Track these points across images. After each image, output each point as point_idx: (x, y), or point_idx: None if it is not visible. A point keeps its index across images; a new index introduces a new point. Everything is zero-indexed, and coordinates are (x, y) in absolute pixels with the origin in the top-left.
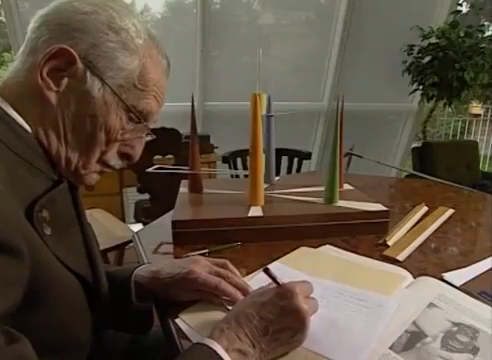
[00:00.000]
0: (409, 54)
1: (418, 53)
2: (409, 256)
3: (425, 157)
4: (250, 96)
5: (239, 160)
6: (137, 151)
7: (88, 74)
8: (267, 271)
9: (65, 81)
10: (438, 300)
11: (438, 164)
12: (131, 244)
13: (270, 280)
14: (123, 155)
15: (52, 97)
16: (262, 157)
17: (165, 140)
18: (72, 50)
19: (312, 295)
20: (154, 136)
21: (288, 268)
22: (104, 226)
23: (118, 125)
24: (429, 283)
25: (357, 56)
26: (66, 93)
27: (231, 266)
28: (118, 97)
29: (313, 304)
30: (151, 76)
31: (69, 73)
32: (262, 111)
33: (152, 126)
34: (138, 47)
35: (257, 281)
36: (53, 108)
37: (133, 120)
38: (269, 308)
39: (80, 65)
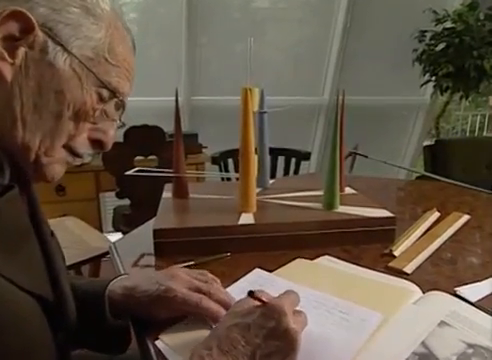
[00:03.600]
0: (420, 41)
1: (431, 40)
2: (418, 268)
3: (438, 156)
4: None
5: (230, 161)
6: (110, 137)
7: (49, 43)
8: (251, 294)
9: (21, 52)
10: (451, 318)
11: (453, 164)
12: (108, 256)
13: (253, 284)
14: (94, 142)
15: (6, 70)
16: (254, 158)
17: (147, 139)
18: (29, 14)
19: None
20: (125, 124)
21: (268, 275)
22: (77, 236)
23: (88, 103)
24: (440, 299)
25: (362, 44)
26: (23, 66)
27: (211, 276)
28: (88, 69)
29: (302, 320)
30: (120, 50)
31: (26, 42)
32: (254, 107)
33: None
34: (104, 14)
35: (238, 288)
36: (7, 84)
37: (104, 99)
38: (255, 331)
39: (39, 33)
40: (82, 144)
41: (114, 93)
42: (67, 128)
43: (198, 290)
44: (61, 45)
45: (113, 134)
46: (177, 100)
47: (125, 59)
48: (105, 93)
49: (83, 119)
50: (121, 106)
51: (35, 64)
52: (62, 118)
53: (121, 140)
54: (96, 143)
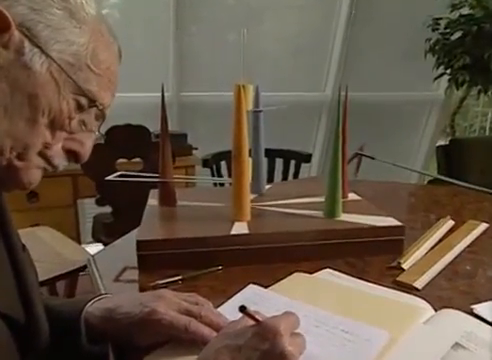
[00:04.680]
0: (434, 30)
1: (445, 28)
2: (429, 283)
3: (453, 157)
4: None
5: (224, 164)
6: (87, 149)
7: (26, 44)
8: (243, 310)
9: None
10: (466, 339)
11: (470, 166)
12: (87, 270)
13: (246, 302)
14: (70, 153)
15: None
16: (248, 161)
17: (131, 140)
18: (6, 12)
19: None
20: (104, 136)
21: (263, 291)
22: (52, 248)
23: (65, 110)
24: (455, 318)
25: (368, 34)
26: None
27: (201, 298)
28: (67, 75)
29: (300, 342)
30: (104, 57)
31: (0, 41)
32: (248, 106)
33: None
34: (88, 18)
35: (230, 308)
36: None
37: (82, 108)
38: (247, 353)
39: (15, 32)
40: (58, 154)
41: (94, 102)
42: (42, 135)
43: (187, 312)
44: (39, 47)
45: (90, 145)
46: (163, 96)
47: (109, 68)
48: (84, 101)
49: (59, 127)
50: (101, 117)
51: (9, 65)
52: (36, 124)
53: (101, 141)
54: (71, 154)
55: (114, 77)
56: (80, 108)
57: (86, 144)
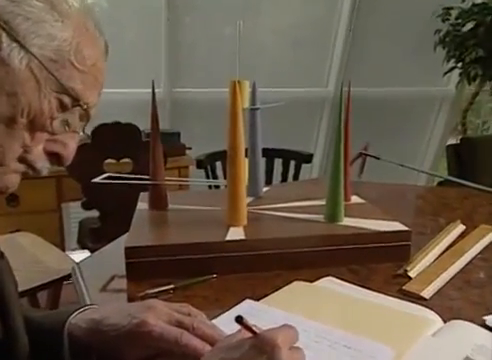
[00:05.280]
0: (444, 20)
1: (457, 18)
2: (438, 292)
3: (465, 157)
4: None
5: (219, 165)
6: (70, 150)
7: (4, 38)
8: (240, 320)
9: None
10: (477, 353)
11: (482, 167)
12: (71, 279)
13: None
14: (52, 155)
15: None
16: (244, 162)
17: (119, 139)
18: None
19: None
20: (89, 137)
21: (260, 307)
22: (33, 255)
23: (46, 109)
24: (465, 330)
25: (373, 25)
26: None
27: (195, 309)
28: (48, 72)
29: (299, 358)
30: (89, 53)
31: None
32: (244, 103)
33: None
34: (72, 11)
35: (226, 320)
36: None
37: (65, 107)
38: None
39: None
40: (39, 157)
41: (77, 101)
42: (21, 137)
43: (179, 324)
44: (18, 41)
45: (74, 147)
46: (154, 92)
47: (94, 64)
48: (67, 100)
49: (40, 128)
50: (85, 117)
51: None
52: (15, 125)
53: (88, 140)
54: (53, 157)
55: (100, 74)
56: (63, 107)
57: (69, 146)
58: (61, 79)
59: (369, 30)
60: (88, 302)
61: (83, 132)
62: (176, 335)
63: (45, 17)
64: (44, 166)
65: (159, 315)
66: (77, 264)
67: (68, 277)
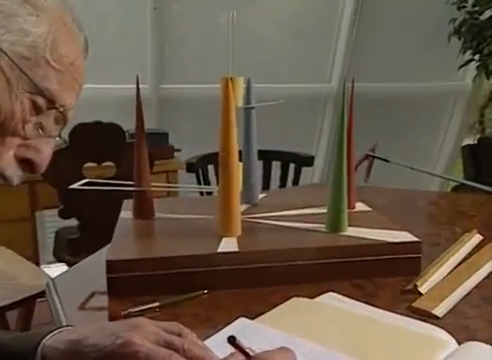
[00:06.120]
0: (460, 8)
1: (474, 6)
2: (452, 310)
3: (482, 159)
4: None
5: (211, 168)
6: (44, 157)
7: None
8: (233, 341)
9: None
10: None
11: None
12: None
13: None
14: (24, 162)
15: None
16: (238, 166)
17: (101, 140)
18: None
19: None
20: (66, 141)
21: (255, 326)
22: (2, 271)
23: (18, 112)
24: (482, 352)
25: (381, 14)
26: None
27: (186, 329)
28: (21, 71)
29: None
30: (67, 51)
31: None
32: (238, 102)
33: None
34: (48, 4)
35: (217, 341)
36: None
37: (39, 109)
38: None
39: None
40: (9, 164)
41: (53, 103)
42: None
43: (168, 344)
44: None
45: (49, 153)
46: (138, 89)
47: (72, 63)
48: (41, 102)
49: (11, 132)
50: (62, 120)
51: None
52: None
53: (63, 146)
54: (26, 163)
55: (79, 74)
56: (37, 110)
57: (43, 151)
58: (35, 79)
59: (376, 19)
60: (64, 322)
61: (59, 137)
62: (164, 357)
63: (17, 10)
64: (15, 174)
65: (146, 334)
66: (52, 279)
67: (42, 294)
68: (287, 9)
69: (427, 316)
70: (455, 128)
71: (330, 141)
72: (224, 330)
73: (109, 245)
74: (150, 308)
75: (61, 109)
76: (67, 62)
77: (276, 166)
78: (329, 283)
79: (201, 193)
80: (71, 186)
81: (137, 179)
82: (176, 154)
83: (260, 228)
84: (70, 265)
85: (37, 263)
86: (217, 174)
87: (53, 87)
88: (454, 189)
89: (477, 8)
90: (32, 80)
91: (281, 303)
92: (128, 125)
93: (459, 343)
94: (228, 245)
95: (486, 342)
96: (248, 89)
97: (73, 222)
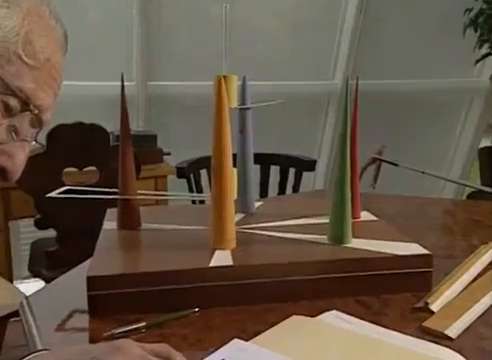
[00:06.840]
0: None
1: None
2: (466, 330)
3: None
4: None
5: (204, 174)
6: (18, 163)
7: None
8: None
9: None
10: None
11: None
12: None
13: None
14: None
15: None
16: (232, 173)
17: (82, 143)
18: None
19: None
20: (43, 146)
21: (251, 348)
22: None
23: None
24: None
25: (388, 5)
26: None
27: (175, 352)
28: None
29: None
30: (42, 45)
31: None
32: (233, 102)
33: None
34: None
35: None
36: None
37: (12, 111)
38: None
39: None
40: None
41: (27, 104)
42: None
43: None
44: None
45: (22, 159)
46: (123, 86)
47: (49, 59)
48: (14, 103)
49: None
50: (38, 122)
51: None
52: None
53: (40, 151)
54: None
55: (56, 71)
56: (9, 112)
57: (17, 157)
58: (6, 77)
59: (383, 11)
60: (39, 346)
61: (35, 141)
62: None
63: None
64: None
65: (130, 358)
66: (26, 297)
67: (15, 314)
68: (287, 0)
69: (439, 337)
70: (471, 129)
71: (333, 143)
72: (217, 353)
73: (90, 259)
74: (135, 329)
75: (36, 111)
76: (42, 58)
77: (274, 171)
78: (331, 300)
79: (193, 201)
80: (49, 194)
81: (122, 186)
82: (165, 158)
83: (256, 240)
84: (47, 281)
85: (10, 279)
86: (210, 180)
87: (27, 86)
88: (470, 196)
89: None
90: (3, 79)
91: (279, 322)
92: (112, 126)
93: None
94: (221, 259)
95: None
96: (243, 88)
97: (51, 233)
